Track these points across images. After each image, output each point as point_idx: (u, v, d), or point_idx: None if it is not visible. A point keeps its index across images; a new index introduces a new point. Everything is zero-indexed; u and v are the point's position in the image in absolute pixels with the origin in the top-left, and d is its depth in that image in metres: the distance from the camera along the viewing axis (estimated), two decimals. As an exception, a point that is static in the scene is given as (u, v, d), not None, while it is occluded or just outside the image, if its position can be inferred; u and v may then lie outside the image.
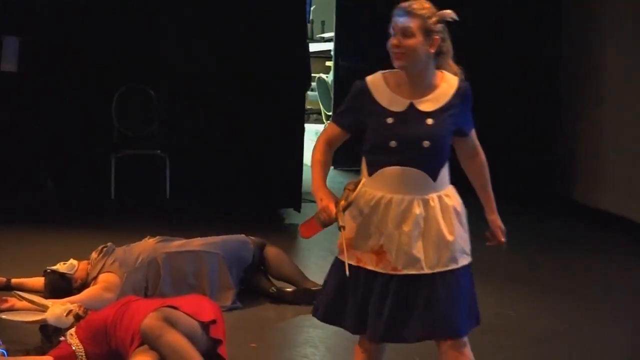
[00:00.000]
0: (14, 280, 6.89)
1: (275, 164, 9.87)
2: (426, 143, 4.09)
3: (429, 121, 4.12)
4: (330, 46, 14.43)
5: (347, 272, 4.06)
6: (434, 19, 4.10)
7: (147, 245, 6.81)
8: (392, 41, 4.11)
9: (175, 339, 5.15)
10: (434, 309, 4.10)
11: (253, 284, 7.01)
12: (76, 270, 6.70)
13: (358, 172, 4.24)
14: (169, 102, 10.02)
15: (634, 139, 9.57)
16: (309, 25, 14.64)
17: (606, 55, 10.07)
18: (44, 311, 5.75)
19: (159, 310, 5.32)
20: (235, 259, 6.88)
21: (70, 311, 5.69)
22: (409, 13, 4.09)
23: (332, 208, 4.08)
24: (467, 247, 4.23)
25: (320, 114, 14.71)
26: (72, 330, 5.61)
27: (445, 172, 4.20)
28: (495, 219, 4.38)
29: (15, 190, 9.76)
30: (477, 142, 4.31)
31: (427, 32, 4.09)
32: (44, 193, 9.99)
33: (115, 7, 9.90)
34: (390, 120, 4.12)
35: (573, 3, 10.73)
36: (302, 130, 10.15)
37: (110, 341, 5.51)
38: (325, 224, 4.13)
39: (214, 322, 5.39)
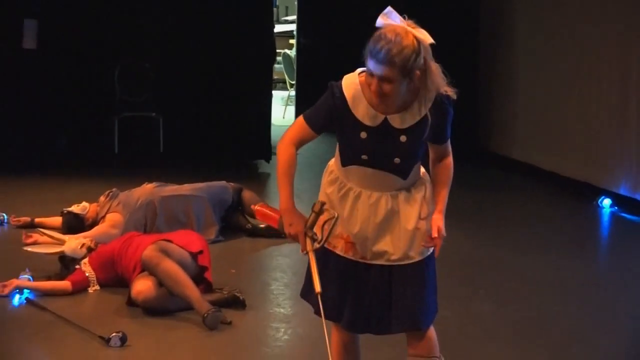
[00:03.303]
0: (36, 220, 6.86)
1: (249, 123, 9.86)
2: (397, 160, 3.30)
3: (403, 138, 3.28)
4: (293, 27, 14.35)
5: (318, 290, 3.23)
6: (413, 57, 3.13)
7: (146, 190, 6.78)
8: (371, 85, 3.19)
9: (170, 266, 5.15)
10: (405, 303, 3.38)
11: (232, 221, 7.01)
12: (88, 211, 6.68)
13: (325, 135, 3.53)
14: (162, 74, 9.97)
15: (537, 102, 9.63)
16: (275, 9, 14.56)
17: (517, 33, 10.09)
18: (62, 245, 5.76)
19: (156, 243, 5.32)
20: (217, 201, 6.88)
21: (83, 244, 5.70)
22: (389, 63, 3.11)
23: (302, 241, 3.24)
24: None
25: (285, 82, 14.66)
26: (86, 260, 5.62)
27: (416, 168, 3.42)
28: (437, 218, 3.38)
29: (36, 145, 9.72)
30: (449, 148, 3.47)
31: (409, 73, 3.16)
32: (60, 148, 9.93)
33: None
34: (363, 134, 3.28)
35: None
36: (270, 96, 10.19)
37: (116, 269, 5.52)
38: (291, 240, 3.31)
39: (201, 252, 5.40)
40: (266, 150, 9.68)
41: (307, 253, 3.25)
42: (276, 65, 13.65)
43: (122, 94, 9.96)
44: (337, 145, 3.43)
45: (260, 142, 9.72)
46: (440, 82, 3.27)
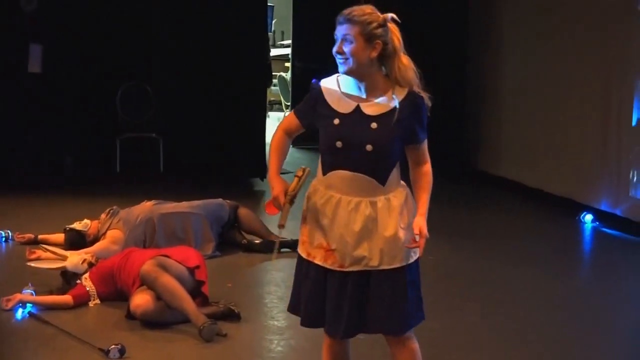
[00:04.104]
0: (40, 236, 6.84)
1: (244, 143, 9.87)
2: (369, 147, 3.31)
3: (373, 125, 3.32)
4: (288, 51, 14.39)
5: (276, 250, 3.75)
6: (374, 24, 3.30)
7: (145, 207, 6.76)
8: (335, 48, 3.35)
9: (168, 281, 5.13)
10: (382, 306, 3.38)
11: (229, 237, 6.99)
12: (89, 228, 6.65)
13: (314, 150, 3.74)
14: (163, 96, 9.97)
15: (523, 122, 9.64)
16: (271, 34, 14.59)
17: (503, 55, 10.11)
18: (64, 260, 5.73)
19: (154, 258, 5.30)
20: (214, 218, 6.86)
21: (84, 260, 5.67)
22: (349, 20, 3.29)
23: (282, 199, 3.39)
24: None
25: (280, 104, 14.69)
26: (87, 275, 5.60)
27: (394, 175, 3.40)
28: (419, 220, 3.37)
29: (41, 164, 9.70)
30: (426, 154, 3.46)
31: (368, 38, 3.28)
32: (64, 167, 9.90)
33: (118, 24, 9.80)
34: (336, 121, 3.35)
35: (478, 10, 10.71)
36: (264, 117, 10.26)
37: (116, 283, 5.50)
38: (279, 208, 3.47)
39: (198, 267, 5.38)
40: (261, 168, 9.68)
41: (283, 208, 3.43)
42: (272, 88, 13.73)
43: (124, 116, 9.94)
44: (320, 158, 3.47)
45: (255, 161, 9.72)
46: (412, 77, 3.37)
